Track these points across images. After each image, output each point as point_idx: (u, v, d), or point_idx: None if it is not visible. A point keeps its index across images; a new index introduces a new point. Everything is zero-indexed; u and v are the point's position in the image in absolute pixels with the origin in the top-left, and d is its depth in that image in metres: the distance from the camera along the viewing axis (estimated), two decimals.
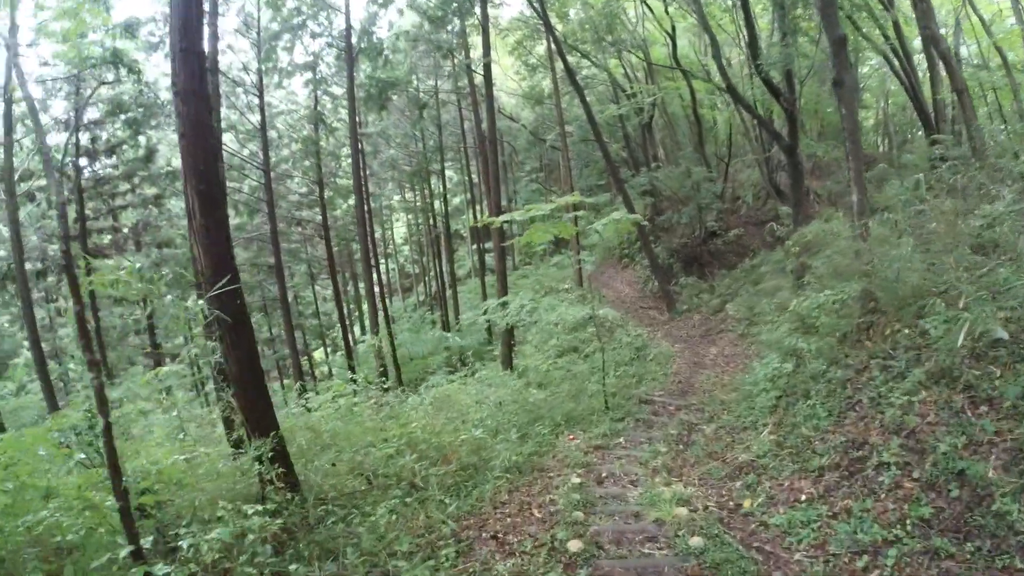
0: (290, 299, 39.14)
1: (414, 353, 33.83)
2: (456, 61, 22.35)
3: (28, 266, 20.56)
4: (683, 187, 24.85)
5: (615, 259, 28.59)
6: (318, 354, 43.27)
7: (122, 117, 19.80)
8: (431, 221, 38.31)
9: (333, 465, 7.95)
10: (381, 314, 24.74)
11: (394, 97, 32.30)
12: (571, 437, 9.76)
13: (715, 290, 20.96)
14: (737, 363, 14.85)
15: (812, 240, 12.52)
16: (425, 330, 36.86)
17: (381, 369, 21.73)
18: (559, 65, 28.76)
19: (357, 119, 29.50)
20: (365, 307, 44.35)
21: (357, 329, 44.91)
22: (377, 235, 46.64)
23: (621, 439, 9.56)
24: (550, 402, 12.01)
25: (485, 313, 12.01)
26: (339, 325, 36.78)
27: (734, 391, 12.04)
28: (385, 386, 13.21)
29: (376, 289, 34.25)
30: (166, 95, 20.33)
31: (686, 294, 21.93)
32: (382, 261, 48.45)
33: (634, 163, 30.26)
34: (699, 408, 11.30)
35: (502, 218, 12.04)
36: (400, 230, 53.55)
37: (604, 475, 8.03)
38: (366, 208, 23.89)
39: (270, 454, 6.56)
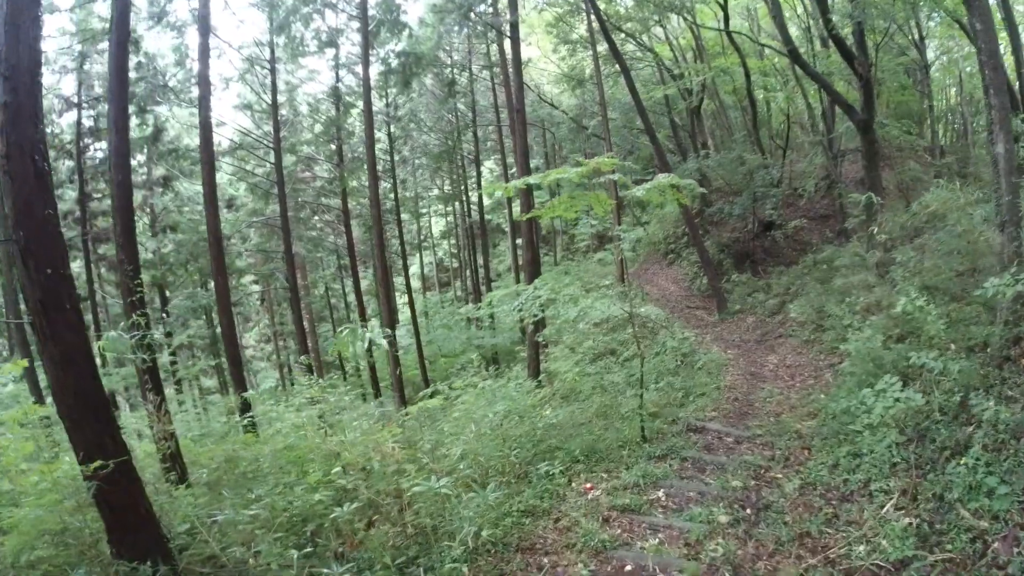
0: (321, 290, 36.66)
1: (446, 350, 31.08)
2: (481, 22, 19.18)
3: None
4: (735, 175, 21.39)
5: (660, 255, 25.25)
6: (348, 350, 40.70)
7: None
8: (467, 211, 35.28)
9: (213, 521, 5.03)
10: (379, 310, 21.78)
11: (427, 80, 29.47)
12: (588, 486, 6.66)
13: (771, 289, 17.53)
14: (805, 376, 11.57)
15: (918, 219, 9.05)
16: (459, 326, 34.13)
17: (397, 371, 18.80)
18: (600, 48, 25.59)
19: (386, 101, 26.85)
20: (400, 300, 41.75)
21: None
22: (411, 226, 43.99)
23: (660, 493, 6.39)
24: (571, 424, 8.92)
25: (489, 305, 8.83)
26: (369, 318, 34.21)
27: (811, 417, 8.83)
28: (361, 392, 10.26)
29: (405, 283, 31.58)
30: (173, 70, 17.70)
31: (738, 293, 18.54)
32: (413, 254, 45.71)
33: (681, 152, 26.80)
34: (767, 443, 8.09)
35: (514, 183, 8.95)
36: (439, 223, 50.63)
37: (628, 568, 4.87)
38: (379, 191, 20.96)
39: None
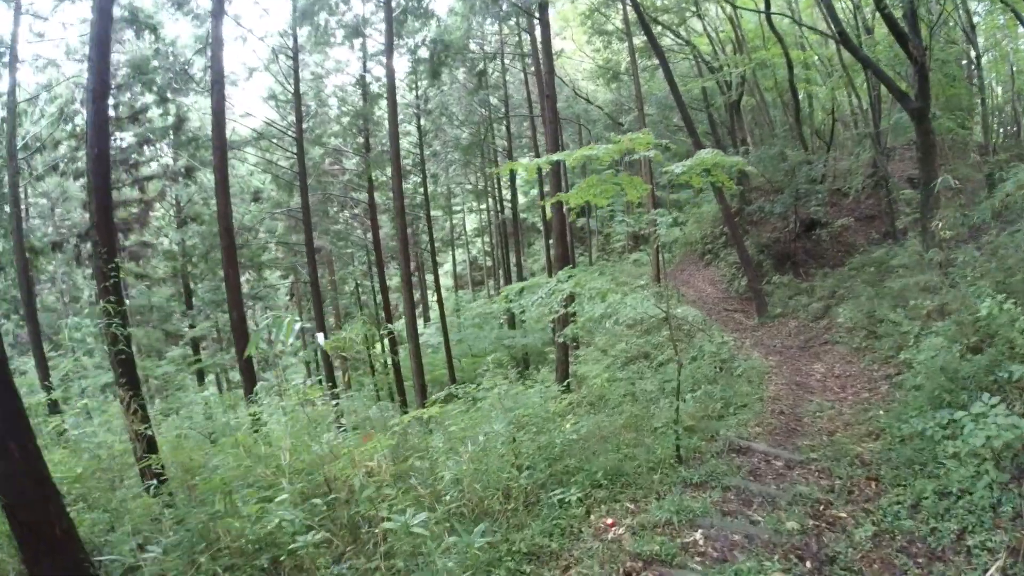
0: (351, 287, 35.75)
1: (476, 349, 29.97)
2: (509, 4, 17.94)
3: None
4: (776, 172, 19.87)
5: (696, 256, 23.82)
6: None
7: (142, 80, 16.37)
8: (499, 208, 34.07)
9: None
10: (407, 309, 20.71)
11: (459, 74, 28.38)
12: (609, 522, 5.43)
13: (814, 292, 16.06)
14: (857, 388, 10.20)
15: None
16: (490, 325, 33.00)
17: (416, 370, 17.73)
18: (637, 41, 24.26)
19: (415, 93, 25.85)
20: (431, 297, 40.72)
21: (420, 323, 41.35)
22: (444, 222, 42.91)
23: (698, 535, 5.12)
24: (595, 438, 7.73)
25: (506, 299, 7.63)
26: (396, 316, 33.21)
27: (872, 438, 7.53)
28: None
29: (434, 280, 30.50)
30: (194, 58, 16.85)
31: (779, 296, 17.08)
32: (446, 251, 44.67)
33: (720, 149, 25.25)
34: (824, 469, 6.79)
35: (538, 161, 7.79)
36: (473, 220, 49.47)
37: None
38: (402, 183, 19.86)
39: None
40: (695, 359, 12.62)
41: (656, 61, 24.51)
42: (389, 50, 17.16)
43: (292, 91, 19.15)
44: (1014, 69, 20.69)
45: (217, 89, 13.14)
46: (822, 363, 12.12)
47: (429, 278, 49.14)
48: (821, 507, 5.74)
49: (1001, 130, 24.39)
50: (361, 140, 23.14)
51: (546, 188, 40.21)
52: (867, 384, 10.25)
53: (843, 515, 5.51)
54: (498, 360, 25.95)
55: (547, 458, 6.75)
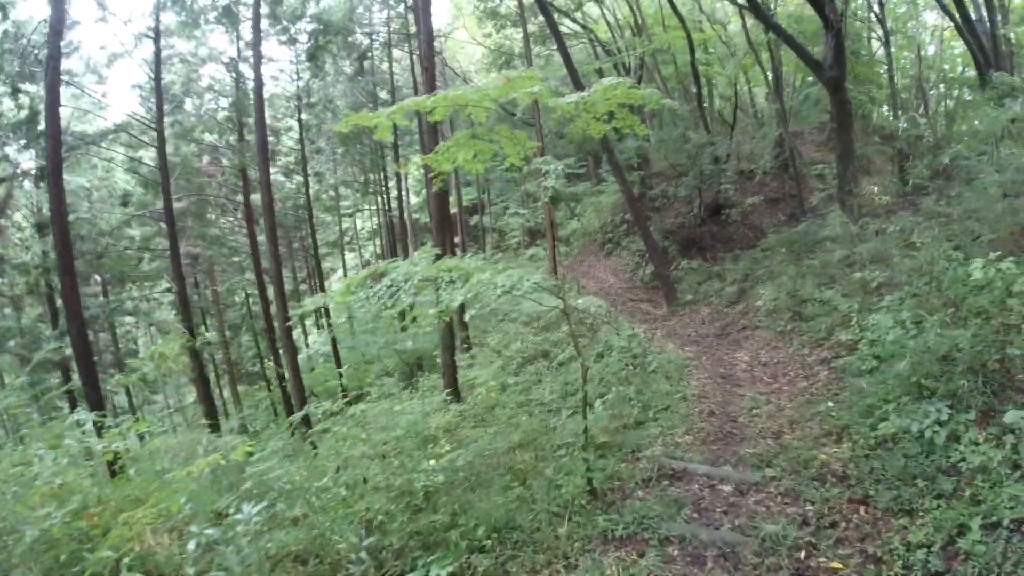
0: (241, 297, 32.37)
1: (369, 356, 27.41)
2: None
3: None
4: (679, 155, 18.43)
5: (597, 246, 22.17)
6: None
7: None
8: (387, 207, 31.51)
9: None
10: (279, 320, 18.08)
11: (346, 67, 25.86)
12: None
13: (727, 276, 14.59)
14: (792, 376, 8.58)
15: None
16: (382, 330, 30.48)
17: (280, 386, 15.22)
18: (531, 27, 22.56)
19: (297, 85, 23.28)
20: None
21: (315, 335, 38.23)
22: (334, 224, 39.89)
23: None
24: (479, 469, 5.61)
25: (344, 293, 5.25)
26: (273, 330, 30.07)
27: (832, 439, 5.91)
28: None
29: (319, 285, 27.70)
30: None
31: (688, 282, 15.56)
32: (334, 254, 41.72)
33: (619, 136, 23.76)
34: (787, 491, 5.04)
35: (388, 110, 5.66)
36: (369, 221, 46.52)
37: None
38: (270, 178, 17.27)
39: None
40: (602, 356, 10.73)
41: (552, 47, 22.94)
42: (256, 23, 14.58)
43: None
44: (920, 51, 20.03)
45: (52, 66, 10.48)
46: (745, 350, 10.49)
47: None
48: (803, 556, 3.85)
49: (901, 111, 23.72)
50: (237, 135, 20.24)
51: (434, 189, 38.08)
52: (802, 371, 8.62)
53: (840, 567, 3.61)
54: (385, 368, 23.63)
55: (409, 507, 4.58)
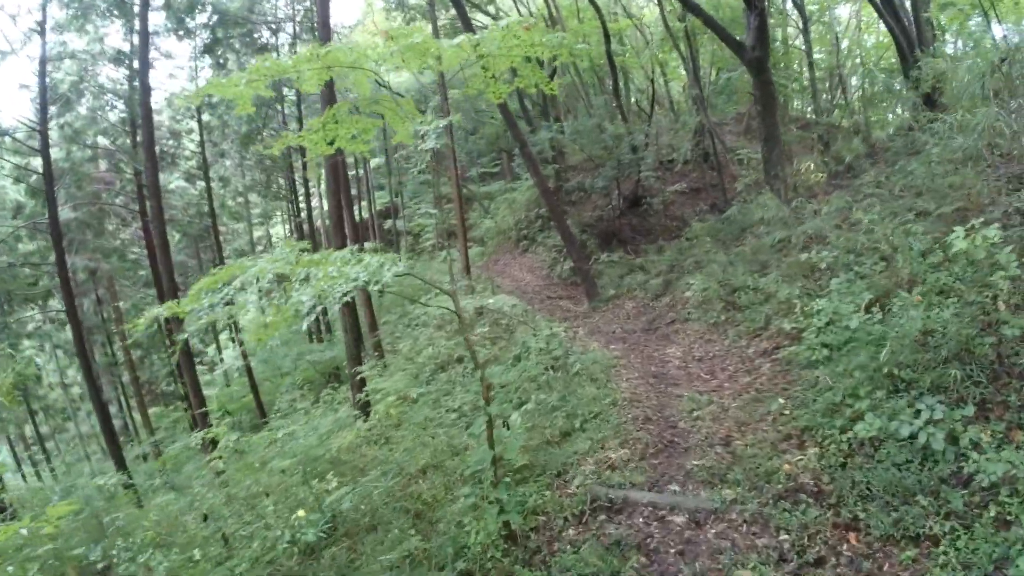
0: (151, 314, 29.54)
1: (286, 368, 25.47)
2: None
3: None
4: (595, 146, 17.53)
5: (511, 244, 21.06)
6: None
7: None
8: (295, 212, 29.43)
9: None
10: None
11: (250, 62, 23.77)
12: None
13: (650, 268, 13.71)
14: (732, 371, 7.71)
15: None
16: (298, 340, 28.55)
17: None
18: (442, 20, 21.36)
19: (196, 83, 21.23)
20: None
21: (229, 352, 35.60)
22: (245, 234, 37.38)
23: None
24: (376, 506, 4.34)
25: (179, 304, 3.76)
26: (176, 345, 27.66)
27: (795, 444, 4.98)
28: None
29: None
30: None
31: (609, 276, 14.62)
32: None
33: (531, 129, 22.76)
34: (755, 517, 3.93)
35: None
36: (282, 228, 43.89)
37: None
38: (158, 177, 15.35)
39: None
40: (519, 359, 9.57)
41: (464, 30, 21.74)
42: (144, 10, 12.72)
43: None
44: (839, 38, 19.71)
45: None
46: (676, 345, 9.54)
47: (241, 296, 42.91)
48: None
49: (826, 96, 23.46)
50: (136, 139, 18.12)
51: (352, 191, 36.17)
52: (742, 365, 7.71)
53: None
54: (297, 381, 21.85)
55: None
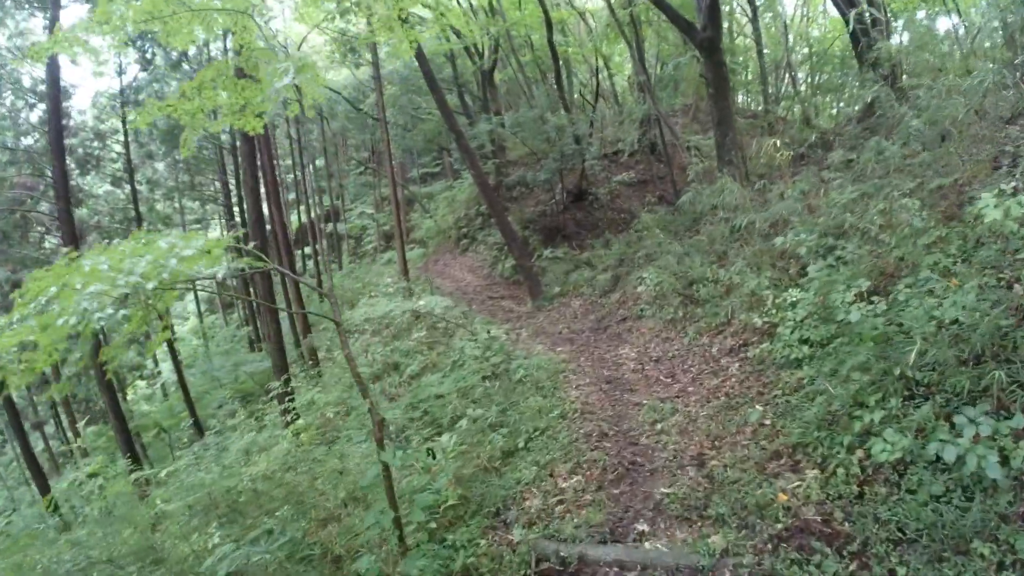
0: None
1: (226, 381, 23.75)
2: None
3: None
4: (537, 138, 16.50)
5: (452, 243, 19.89)
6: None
7: None
8: (230, 217, 27.56)
9: None
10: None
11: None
12: None
13: (598, 263, 12.75)
14: (695, 373, 6.84)
15: None
16: (237, 351, 26.85)
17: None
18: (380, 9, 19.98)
19: (122, 78, 19.48)
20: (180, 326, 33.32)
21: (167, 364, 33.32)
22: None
23: None
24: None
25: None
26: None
27: (787, 465, 4.00)
28: None
29: None
30: None
31: (554, 273, 13.63)
32: None
33: (470, 122, 21.58)
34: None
35: None
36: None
37: None
38: (66, 178, 13.60)
39: None
40: (457, 365, 8.44)
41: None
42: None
43: None
44: (787, 25, 19.02)
45: None
46: (630, 345, 8.57)
47: (177, 306, 40.56)
48: None
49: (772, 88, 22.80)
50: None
51: (291, 195, 34.39)
52: (706, 365, 6.76)
53: None
54: (227, 395, 20.31)
55: None
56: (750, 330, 6.71)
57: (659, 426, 5.42)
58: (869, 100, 9.61)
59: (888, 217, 5.24)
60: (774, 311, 6.18)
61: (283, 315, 22.31)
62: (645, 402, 6.13)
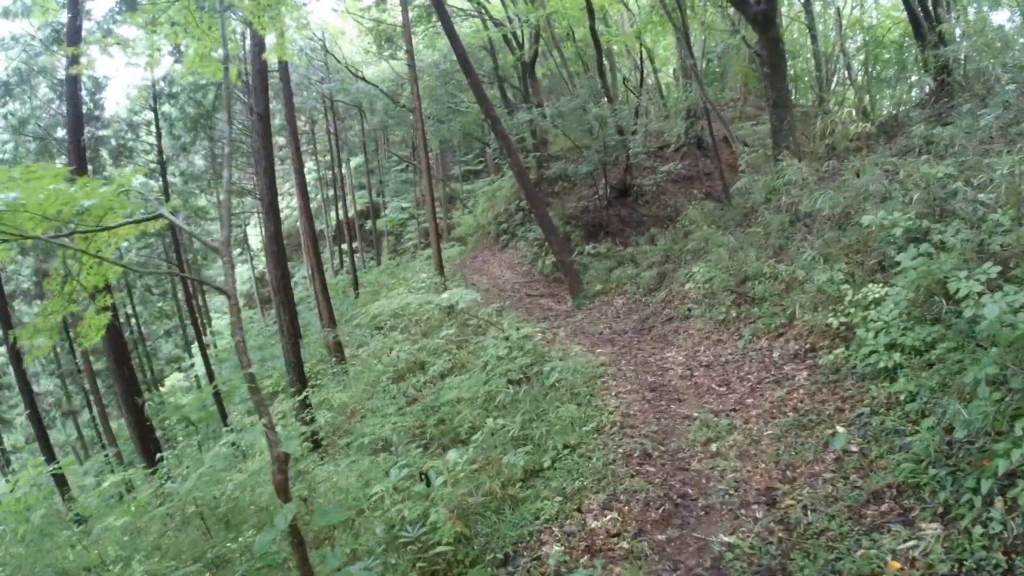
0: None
1: (258, 376, 23.25)
2: None
3: None
4: (579, 130, 15.45)
5: (491, 239, 18.98)
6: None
7: None
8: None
9: None
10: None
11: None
12: None
13: (643, 259, 11.67)
14: (753, 381, 5.89)
15: None
16: (271, 345, 26.47)
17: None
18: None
19: (152, 71, 19.14)
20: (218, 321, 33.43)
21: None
22: (210, 232, 35.02)
23: None
24: None
25: None
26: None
27: (893, 508, 2.59)
28: None
29: (188, 301, 23.29)
30: None
31: (596, 269, 12.60)
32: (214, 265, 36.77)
33: (508, 110, 20.62)
34: None
35: None
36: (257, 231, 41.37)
37: None
38: None
39: None
40: (483, 367, 7.48)
41: (435, 22, 19.75)
42: None
43: None
44: (839, 10, 17.47)
45: None
46: (676, 348, 7.51)
47: (217, 299, 40.46)
48: None
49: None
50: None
51: (330, 192, 34.04)
52: (767, 373, 5.69)
53: None
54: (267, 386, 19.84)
55: None
56: (818, 332, 5.62)
57: (714, 447, 4.40)
58: (937, 82, 8.42)
59: (1012, 186, 4.11)
60: (852, 310, 5.08)
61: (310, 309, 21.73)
62: (696, 415, 5.11)
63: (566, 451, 4.60)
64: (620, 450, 4.51)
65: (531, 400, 5.91)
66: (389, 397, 8.77)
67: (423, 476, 3.65)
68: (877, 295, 4.88)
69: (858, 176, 6.06)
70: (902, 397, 3.84)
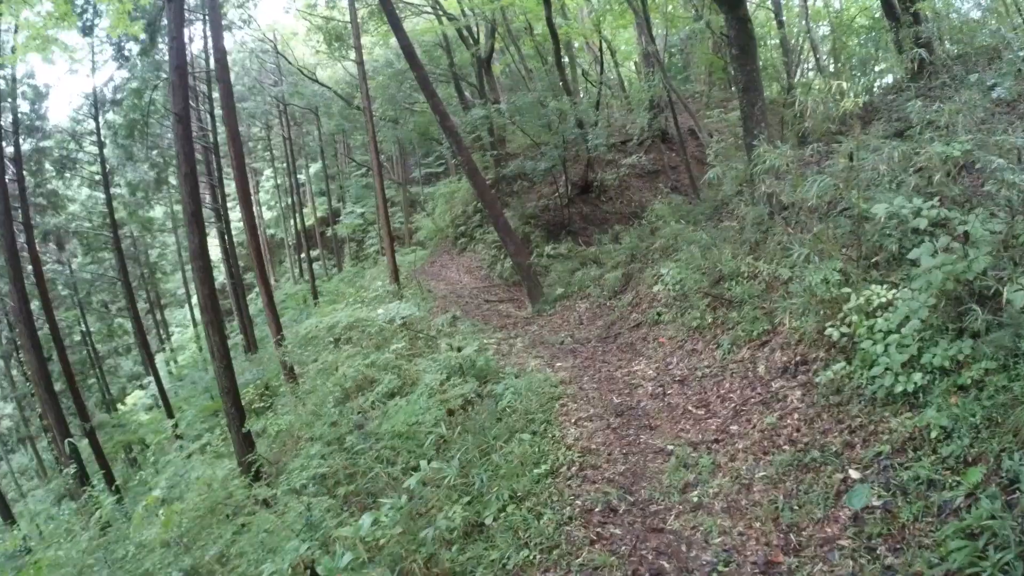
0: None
1: (211, 391, 21.90)
2: None
3: None
4: (536, 125, 14.51)
5: (449, 243, 17.95)
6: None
7: None
8: (222, 220, 25.62)
9: None
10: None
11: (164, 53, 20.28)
12: None
13: (607, 259, 10.76)
14: (736, 400, 4.95)
15: None
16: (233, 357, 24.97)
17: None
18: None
19: (94, 76, 17.64)
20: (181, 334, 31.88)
21: (161, 366, 31.56)
22: (166, 244, 33.29)
23: None
24: None
25: None
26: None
27: None
28: None
29: (132, 315, 21.84)
30: None
31: (557, 272, 11.67)
32: (172, 278, 35.10)
33: (463, 105, 19.57)
34: None
35: None
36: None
37: None
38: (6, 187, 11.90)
39: None
40: (429, 392, 6.47)
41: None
42: None
43: None
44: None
45: None
46: (646, 359, 6.61)
47: (178, 313, 38.68)
48: None
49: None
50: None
51: (289, 200, 32.66)
52: (752, 391, 4.81)
53: None
54: (196, 413, 18.63)
55: None
56: (808, 342, 4.76)
57: (694, 495, 3.50)
58: (916, 61, 7.67)
59: None
60: (853, 317, 4.21)
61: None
62: (671, 448, 4.22)
63: (512, 505, 3.64)
64: (578, 502, 3.58)
65: (476, 432, 4.94)
66: (330, 424, 7.73)
67: (306, 568, 2.68)
68: (882, 299, 4.02)
69: (851, 159, 5.21)
70: (932, 434, 2.97)
